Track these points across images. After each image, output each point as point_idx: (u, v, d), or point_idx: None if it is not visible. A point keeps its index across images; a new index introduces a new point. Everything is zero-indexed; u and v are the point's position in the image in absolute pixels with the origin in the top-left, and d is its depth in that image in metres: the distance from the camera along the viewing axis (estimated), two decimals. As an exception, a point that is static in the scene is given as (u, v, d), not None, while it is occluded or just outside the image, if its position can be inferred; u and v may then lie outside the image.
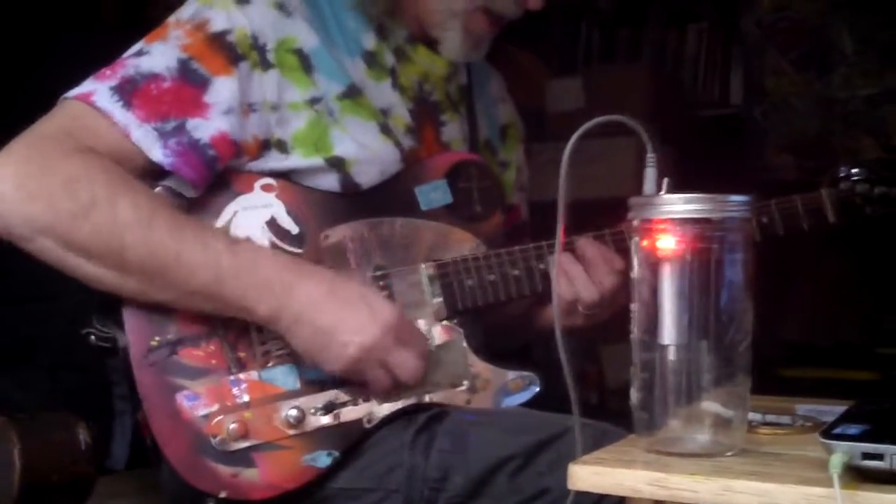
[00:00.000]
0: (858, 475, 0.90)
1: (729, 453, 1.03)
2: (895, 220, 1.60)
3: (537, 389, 1.52)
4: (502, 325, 1.65)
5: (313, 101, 1.49)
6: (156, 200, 1.38)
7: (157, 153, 1.40)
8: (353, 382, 1.43)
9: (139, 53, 1.44)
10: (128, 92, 1.40)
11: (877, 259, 3.14)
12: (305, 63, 1.49)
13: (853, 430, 0.93)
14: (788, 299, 3.36)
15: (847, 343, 3.21)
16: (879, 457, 0.88)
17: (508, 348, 1.65)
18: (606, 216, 1.52)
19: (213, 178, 1.44)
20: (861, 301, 3.26)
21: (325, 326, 1.37)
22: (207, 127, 1.42)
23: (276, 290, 1.36)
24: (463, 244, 1.55)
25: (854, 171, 1.60)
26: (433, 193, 1.56)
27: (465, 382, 1.50)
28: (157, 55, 1.43)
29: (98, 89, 1.40)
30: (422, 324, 1.49)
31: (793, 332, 3.36)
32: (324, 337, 1.37)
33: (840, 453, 0.89)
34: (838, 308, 3.25)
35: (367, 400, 1.44)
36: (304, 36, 1.50)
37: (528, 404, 1.52)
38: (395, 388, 1.43)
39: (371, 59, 1.58)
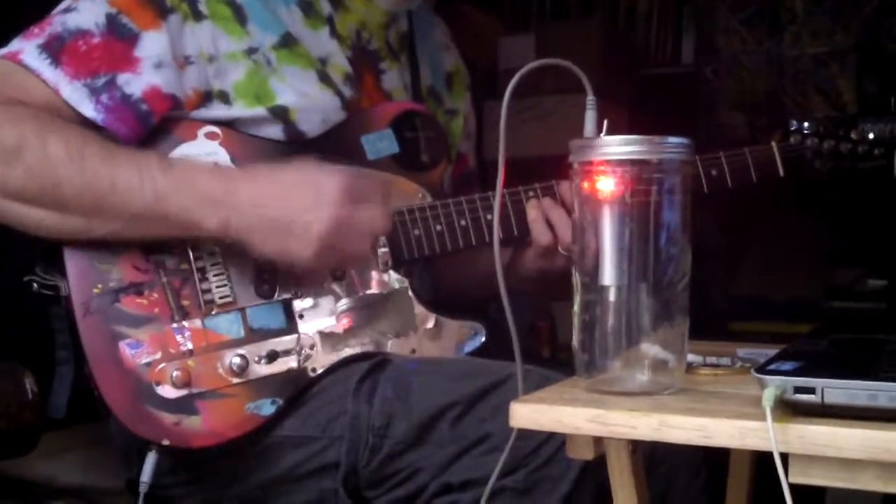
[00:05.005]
0: (791, 410, 0.91)
1: (667, 392, 1.04)
2: (845, 177, 1.62)
3: (483, 339, 1.53)
4: (477, 279, 1.64)
5: (250, 52, 1.48)
6: (85, 133, 1.36)
7: (88, 109, 1.38)
8: (296, 330, 1.43)
9: (67, 10, 1.43)
10: (56, 49, 1.39)
11: (827, 215, 3.17)
12: (238, 13, 1.48)
13: (787, 366, 0.95)
14: (740, 255, 3.39)
15: (797, 297, 3.24)
16: (811, 390, 0.89)
17: (483, 301, 1.65)
18: (561, 171, 1.53)
19: (147, 132, 1.43)
20: (811, 256, 3.29)
21: (279, 218, 1.35)
22: (139, 81, 1.41)
23: (219, 199, 1.35)
24: (409, 194, 1.54)
25: (804, 125, 1.61)
26: (380, 143, 1.55)
27: (411, 332, 1.50)
28: (84, 11, 1.42)
29: (25, 48, 1.39)
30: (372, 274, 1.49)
31: (744, 286, 3.39)
32: (283, 229, 1.35)
33: (773, 387, 0.90)
34: (789, 263, 3.27)
35: (311, 348, 1.44)
36: None
37: (478, 357, 1.53)
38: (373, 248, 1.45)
39: (307, 8, 1.56)
